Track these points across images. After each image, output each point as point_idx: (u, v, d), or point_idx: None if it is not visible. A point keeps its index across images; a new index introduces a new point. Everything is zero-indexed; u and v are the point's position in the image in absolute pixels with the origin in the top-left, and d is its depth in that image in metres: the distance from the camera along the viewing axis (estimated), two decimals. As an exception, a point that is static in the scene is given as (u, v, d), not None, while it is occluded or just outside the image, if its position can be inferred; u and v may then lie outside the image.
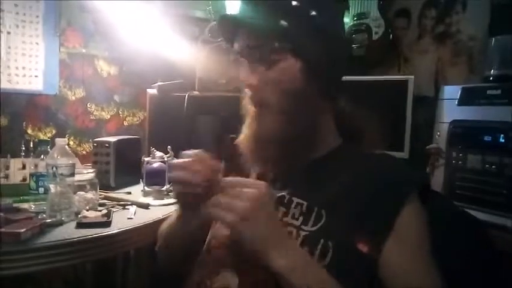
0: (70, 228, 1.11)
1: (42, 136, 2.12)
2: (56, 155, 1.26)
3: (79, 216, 1.18)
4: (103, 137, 1.93)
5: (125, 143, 1.73)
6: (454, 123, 1.50)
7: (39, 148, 1.33)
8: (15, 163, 1.64)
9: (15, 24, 2.04)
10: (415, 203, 0.71)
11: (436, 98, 1.74)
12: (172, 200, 1.47)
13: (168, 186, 1.56)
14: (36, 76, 2.11)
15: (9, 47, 2.02)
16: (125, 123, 2.43)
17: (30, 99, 2.11)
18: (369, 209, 0.69)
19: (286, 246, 0.64)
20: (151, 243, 1.21)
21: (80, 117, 2.28)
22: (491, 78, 1.52)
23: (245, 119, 0.80)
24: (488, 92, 1.42)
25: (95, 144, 1.65)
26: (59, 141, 1.29)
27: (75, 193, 1.27)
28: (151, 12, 2.29)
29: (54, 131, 2.18)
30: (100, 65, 2.32)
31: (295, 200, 0.74)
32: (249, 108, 0.78)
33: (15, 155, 1.73)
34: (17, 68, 2.06)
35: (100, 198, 1.39)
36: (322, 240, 0.67)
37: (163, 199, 1.49)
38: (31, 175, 1.28)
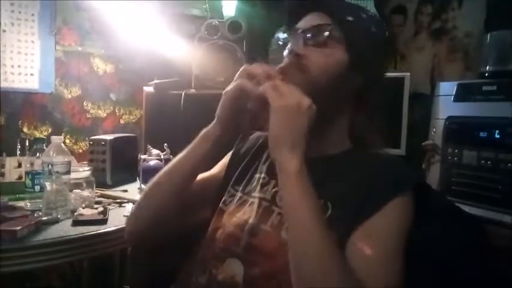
0: (66, 225, 1.11)
1: (38, 134, 2.11)
2: (51, 153, 1.26)
3: (75, 214, 1.18)
4: (99, 135, 1.92)
5: (121, 141, 1.73)
6: (450, 120, 1.50)
7: (35, 146, 1.33)
8: (11, 161, 1.64)
9: (11, 22, 2.03)
10: (405, 200, 0.72)
11: (432, 95, 1.74)
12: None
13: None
14: (32, 74, 2.10)
15: (5, 45, 2.01)
16: (121, 122, 2.42)
17: (26, 97, 2.10)
18: (366, 200, 0.70)
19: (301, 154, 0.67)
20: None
21: (76, 115, 2.27)
22: (486, 74, 1.52)
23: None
24: (484, 88, 1.43)
25: (91, 142, 1.65)
26: (55, 139, 1.29)
27: (71, 191, 1.27)
28: (148, 10, 2.28)
29: (50, 130, 2.17)
30: (96, 63, 2.31)
31: None
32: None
33: (11, 153, 1.72)
34: (12, 66, 2.05)
35: (96, 196, 1.39)
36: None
37: (160, 197, 1.48)
38: (27, 173, 1.28)
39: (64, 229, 1.08)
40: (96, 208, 1.26)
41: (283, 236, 0.72)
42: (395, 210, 0.70)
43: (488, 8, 1.78)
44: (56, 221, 1.13)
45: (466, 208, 1.07)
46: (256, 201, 0.82)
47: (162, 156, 1.59)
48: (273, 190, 0.81)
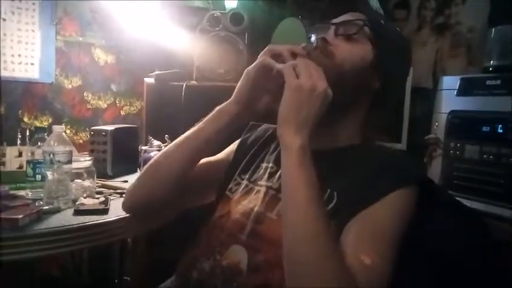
0: (67, 215, 1.11)
1: (38, 124, 2.09)
2: (53, 142, 1.25)
3: (76, 203, 1.18)
4: (100, 126, 1.91)
5: (122, 132, 1.72)
6: (453, 114, 1.50)
7: (36, 135, 1.32)
8: (11, 151, 1.63)
9: (11, 11, 2.01)
10: (408, 193, 0.71)
11: (435, 89, 1.74)
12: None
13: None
14: (32, 64, 2.09)
15: (5, 34, 2.00)
16: (122, 113, 2.41)
17: (27, 87, 2.09)
18: (369, 189, 0.70)
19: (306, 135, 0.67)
20: (148, 232, 1.21)
21: (77, 106, 2.26)
22: (490, 69, 1.52)
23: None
24: (488, 82, 1.42)
25: (92, 133, 1.64)
26: (56, 128, 1.28)
27: (72, 181, 1.26)
28: (150, 1, 2.27)
29: (50, 120, 2.16)
30: (97, 54, 2.29)
31: None
32: None
33: (11, 143, 1.71)
34: (12, 55, 2.03)
35: (97, 186, 1.39)
36: (334, 223, 0.68)
37: (160, 188, 1.48)
38: (28, 162, 1.27)
39: (65, 218, 1.08)
40: (98, 198, 1.25)
41: None
42: (396, 202, 0.70)
43: (492, 3, 1.78)
44: (57, 210, 1.13)
45: (467, 202, 1.08)
46: (262, 189, 0.82)
47: (163, 147, 1.58)
48: (281, 179, 0.81)
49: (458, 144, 1.45)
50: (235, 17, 1.99)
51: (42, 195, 1.17)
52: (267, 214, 0.76)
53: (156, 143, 1.61)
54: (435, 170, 1.53)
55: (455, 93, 1.53)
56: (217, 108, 0.87)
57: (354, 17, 0.82)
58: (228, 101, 0.86)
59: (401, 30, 2.12)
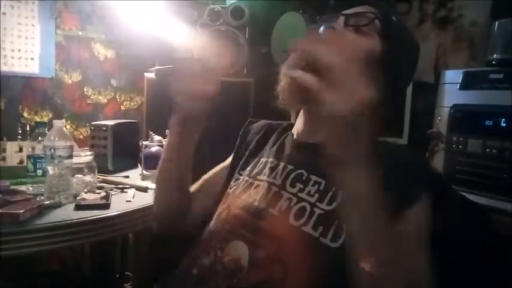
0: (68, 210, 1.11)
1: (38, 120, 2.09)
2: (53, 137, 1.24)
3: (77, 198, 1.17)
4: (100, 121, 1.91)
5: (123, 127, 1.71)
6: (455, 108, 1.49)
7: (37, 130, 1.32)
8: (12, 146, 1.63)
9: (11, 5, 2.00)
10: (427, 203, 0.68)
11: (437, 84, 1.73)
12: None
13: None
14: (32, 59, 2.08)
15: (5, 29, 1.99)
16: (122, 108, 2.40)
17: (27, 82, 2.08)
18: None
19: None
20: (150, 226, 1.21)
21: (77, 101, 2.25)
22: (493, 62, 1.51)
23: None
24: (491, 76, 1.41)
25: (92, 128, 1.63)
26: (57, 122, 1.27)
27: (73, 176, 1.26)
28: (149, -5, 2.25)
29: (50, 115, 2.15)
30: (97, 48, 2.28)
31: (314, 178, 0.75)
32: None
33: (12, 138, 1.71)
34: (12, 50, 2.02)
35: (98, 181, 1.38)
36: (336, 221, 0.68)
37: (162, 183, 1.47)
38: (28, 157, 1.27)
39: (66, 213, 1.07)
40: (99, 193, 1.24)
41: (291, 222, 0.71)
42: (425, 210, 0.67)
43: (495, -4, 1.76)
44: (58, 205, 1.12)
45: (470, 197, 1.07)
46: (264, 185, 0.81)
47: (163, 143, 1.58)
48: (283, 174, 0.80)
49: (461, 139, 1.44)
50: (236, 11, 1.98)
51: (43, 190, 1.17)
52: (269, 210, 0.75)
53: (156, 137, 1.61)
54: (437, 165, 1.52)
55: (458, 87, 1.52)
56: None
57: (366, 9, 0.80)
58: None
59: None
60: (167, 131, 1.56)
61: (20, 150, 1.58)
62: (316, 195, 0.73)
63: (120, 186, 1.38)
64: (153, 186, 1.40)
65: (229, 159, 1.02)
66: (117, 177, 1.50)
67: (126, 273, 1.94)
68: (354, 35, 0.78)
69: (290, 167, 0.80)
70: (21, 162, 1.40)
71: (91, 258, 1.98)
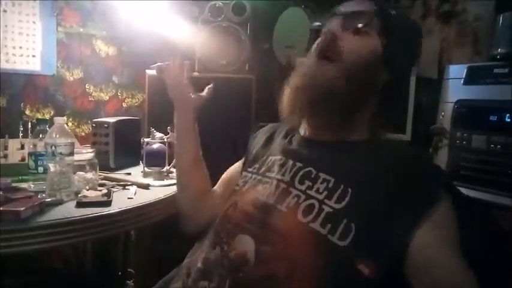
0: (70, 207, 1.10)
1: (40, 117, 2.09)
2: (54, 134, 1.24)
3: (79, 195, 1.17)
4: (102, 118, 1.90)
5: (125, 124, 1.71)
6: (459, 103, 1.48)
7: (38, 127, 1.31)
8: (13, 143, 1.62)
9: (12, 2, 2.00)
10: (447, 201, 0.69)
11: (440, 79, 1.71)
12: (172, 181, 1.45)
13: (168, 167, 1.54)
14: (33, 56, 2.07)
15: (6, 26, 1.98)
16: (124, 105, 2.40)
17: (28, 79, 2.08)
18: (399, 198, 0.68)
19: None
20: (151, 223, 1.21)
21: (79, 98, 2.25)
22: (498, 57, 1.49)
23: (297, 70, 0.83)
24: (495, 70, 1.40)
25: (94, 125, 1.62)
26: (58, 120, 1.26)
27: (74, 173, 1.25)
28: (150, -9, 2.24)
29: (52, 112, 2.15)
30: (98, 45, 2.28)
31: (322, 175, 0.75)
32: (305, 60, 0.81)
33: (13, 135, 1.71)
34: (14, 47, 2.02)
35: (100, 178, 1.38)
36: (345, 220, 0.67)
37: (163, 180, 1.47)
38: (30, 154, 1.26)
39: (68, 210, 1.07)
40: (100, 190, 1.24)
41: (300, 218, 0.70)
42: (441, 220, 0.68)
43: (499, -11, 1.74)
44: (60, 203, 1.12)
45: (475, 193, 1.06)
46: (273, 182, 0.80)
47: (165, 139, 1.57)
48: (292, 171, 0.79)
49: (465, 134, 1.42)
50: (238, 7, 1.97)
51: (44, 187, 1.16)
52: (277, 206, 0.74)
53: (158, 134, 1.60)
54: (441, 161, 1.51)
55: (462, 82, 1.50)
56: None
57: (363, 6, 0.79)
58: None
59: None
60: (168, 127, 1.57)
61: (22, 147, 1.58)
62: (325, 193, 0.72)
63: (121, 183, 1.38)
64: (155, 183, 1.41)
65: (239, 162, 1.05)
66: (119, 175, 1.49)
67: (129, 270, 1.94)
68: (352, 37, 0.77)
69: (299, 164, 0.80)
70: (22, 159, 1.40)
71: (93, 256, 1.98)
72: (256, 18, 2.06)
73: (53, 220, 1.00)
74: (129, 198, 1.23)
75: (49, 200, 1.10)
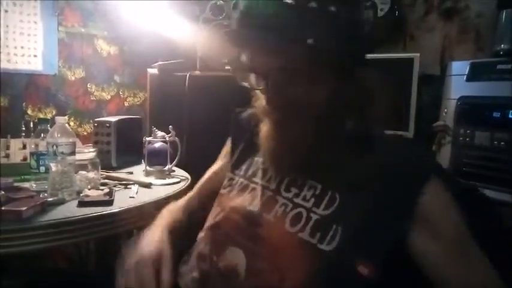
0: (72, 206, 1.10)
1: (42, 117, 2.09)
2: (56, 134, 1.23)
3: (81, 195, 1.17)
4: (103, 117, 1.91)
5: (126, 123, 1.71)
6: (462, 100, 1.46)
7: (40, 127, 1.31)
8: (15, 143, 1.63)
9: (13, 2, 2.00)
10: (436, 189, 0.65)
11: (443, 75, 1.70)
12: (174, 180, 1.45)
13: (170, 166, 1.54)
14: (35, 56, 2.08)
15: (7, 26, 1.98)
16: (126, 104, 2.40)
17: (30, 79, 2.09)
18: (386, 195, 0.65)
19: None
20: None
21: (80, 97, 2.25)
22: (501, 53, 1.48)
23: (261, 119, 0.76)
24: (498, 66, 1.38)
25: (96, 124, 1.62)
26: (59, 119, 1.26)
27: (76, 172, 1.25)
28: (151, -10, 2.24)
29: (54, 112, 2.16)
30: (99, 45, 2.28)
31: (309, 182, 0.72)
32: (267, 113, 0.73)
33: (16, 135, 1.71)
34: (15, 47, 2.02)
35: (102, 177, 1.38)
36: (334, 226, 0.65)
37: (165, 179, 1.47)
38: (31, 154, 1.26)
39: (70, 210, 1.07)
40: (102, 189, 1.24)
41: (287, 229, 0.68)
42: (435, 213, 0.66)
43: (502, -15, 1.73)
44: (62, 202, 1.12)
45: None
46: (258, 188, 0.78)
47: (167, 138, 1.57)
48: (278, 178, 0.76)
49: (468, 131, 1.41)
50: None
51: (46, 187, 1.16)
52: (264, 216, 0.72)
53: (160, 133, 1.59)
54: (444, 158, 1.50)
55: (464, 78, 1.49)
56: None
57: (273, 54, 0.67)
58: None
59: (408, 15, 2.09)
60: (170, 126, 1.57)
61: (24, 147, 1.58)
62: (312, 200, 0.69)
63: (123, 182, 1.38)
64: (157, 182, 1.41)
65: (223, 158, 1.00)
66: (121, 174, 1.49)
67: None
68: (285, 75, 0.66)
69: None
70: (24, 159, 1.40)
71: (95, 255, 1.98)
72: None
73: (54, 220, 1.00)
74: (131, 197, 1.23)
75: (51, 199, 1.10)
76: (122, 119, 1.67)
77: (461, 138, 1.43)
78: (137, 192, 1.29)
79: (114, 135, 1.59)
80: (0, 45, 1.96)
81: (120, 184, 1.36)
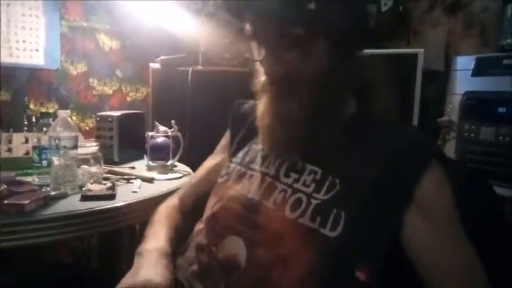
0: (74, 200, 1.10)
1: (44, 111, 2.09)
2: (58, 128, 1.23)
3: (83, 189, 1.16)
4: (106, 112, 1.90)
5: (129, 118, 1.70)
6: (467, 95, 1.46)
7: (42, 121, 1.31)
8: (18, 137, 1.62)
9: (14, -4, 1.99)
10: (435, 172, 0.65)
11: (448, 70, 1.69)
12: (176, 175, 1.45)
13: (172, 161, 1.54)
14: (37, 50, 2.07)
15: (9, 20, 1.98)
16: (128, 99, 2.39)
17: (32, 73, 2.08)
18: (386, 180, 0.65)
19: None
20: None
21: (82, 92, 2.24)
22: (506, 48, 1.47)
23: (260, 96, 0.75)
24: (504, 61, 1.38)
25: (98, 119, 1.62)
26: (61, 113, 1.26)
27: (79, 167, 1.25)
28: (154, -16, 2.23)
29: (56, 106, 2.15)
30: (102, 39, 2.27)
31: (309, 167, 0.71)
32: (266, 87, 0.73)
33: (18, 129, 1.71)
34: (17, 42, 2.01)
35: (104, 172, 1.37)
36: (335, 210, 0.64)
37: (167, 173, 1.47)
38: (34, 148, 1.26)
39: (72, 204, 1.06)
40: (105, 184, 1.23)
41: (287, 215, 0.67)
42: (431, 197, 0.66)
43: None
44: (64, 196, 1.11)
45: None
46: (257, 175, 0.77)
47: (169, 133, 1.56)
48: (277, 163, 0.76)
49: (473, 126, 1.40)
50: None
51: (48, 181, 1.16)
52: (263, 203, 0.71)
53: (162, 128, 1.59)
54: (449, 153, 1.49)
55: (470, 73, 1.48)
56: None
57: (286, 25, 0.67)
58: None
59: (412, 10, 2.08)
60: (172, 121, 1.56)
61: (26, 141, 1.57)
62: (313, 185, 0.69)
63: (126, 177, 1.37)
64: (159, 177, 1.40)
65: (220, 153, 0.97)
66: (123, 168, 1.49)
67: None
68: (296, 57, 0.67)
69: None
70: (27, 153, 1.40)
71: (98, 249, 1.98)
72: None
73: (57, 213, 1.00)
74: (133, 191, 1.23)
75: (53, 193, 1.10)
76: (124, 114, 1.67)
77: (466, 134, 1.43)
78: (140, 186, 1.28)
79: (116, 129, 1.58)
80: (2, 39, 1.95)
81: (123, 179, 1.36)
